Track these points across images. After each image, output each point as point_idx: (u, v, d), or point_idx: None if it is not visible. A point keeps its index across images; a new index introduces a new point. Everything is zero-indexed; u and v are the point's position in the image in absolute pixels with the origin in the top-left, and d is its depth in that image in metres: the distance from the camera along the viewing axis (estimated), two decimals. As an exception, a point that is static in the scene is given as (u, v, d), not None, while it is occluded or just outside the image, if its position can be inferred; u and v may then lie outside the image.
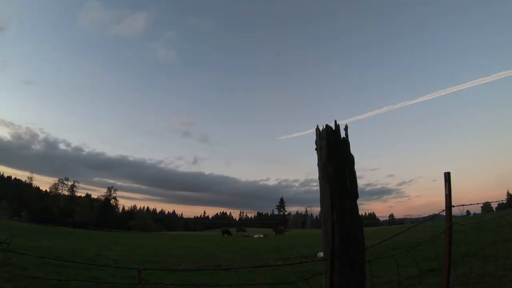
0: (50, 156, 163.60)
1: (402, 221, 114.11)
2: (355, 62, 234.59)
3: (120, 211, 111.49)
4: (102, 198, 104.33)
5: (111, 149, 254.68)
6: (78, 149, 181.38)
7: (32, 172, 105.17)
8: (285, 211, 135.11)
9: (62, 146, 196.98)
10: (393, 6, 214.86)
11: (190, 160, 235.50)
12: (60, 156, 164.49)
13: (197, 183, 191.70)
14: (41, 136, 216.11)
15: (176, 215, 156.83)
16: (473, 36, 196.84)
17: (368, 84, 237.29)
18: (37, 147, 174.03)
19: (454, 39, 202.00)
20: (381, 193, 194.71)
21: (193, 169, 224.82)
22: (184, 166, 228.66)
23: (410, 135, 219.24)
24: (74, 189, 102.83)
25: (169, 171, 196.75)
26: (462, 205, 3.16)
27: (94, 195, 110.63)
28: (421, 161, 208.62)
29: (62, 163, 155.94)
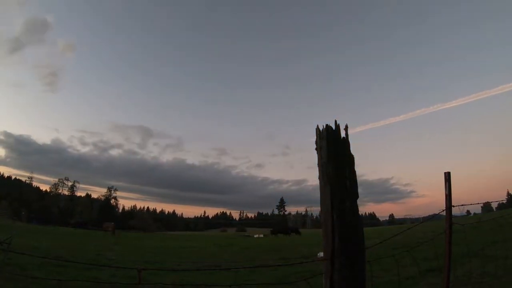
0: (101, 160, 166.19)
1: (402, 221, 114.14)
2: (379, 70, 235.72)
3: (120, 211, 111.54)
4: (102, 198, 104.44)
5: (172, 153, 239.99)
6: (131, 152, 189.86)
7: (32, 172, 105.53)
8: (285, 211, 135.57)
9: (113, 152, 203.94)
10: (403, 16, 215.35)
11: (253, 164, 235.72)
12: (106, 160, 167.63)
13: (239, 185, 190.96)
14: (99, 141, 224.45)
15: (176, 215, 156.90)
16: (476, 51, 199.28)
17: (375, 99, 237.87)
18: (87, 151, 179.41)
19: (461, 54, 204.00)
20: (386, 193, 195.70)
21: (250, 172, 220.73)
22: (240, 170, 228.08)
23: (411, 135, 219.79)
24: (74, 189, 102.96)
25: (219, 173, 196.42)
26: (462, 205, 3.16)
27: (94, 195, 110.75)
28: (421, 161, 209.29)
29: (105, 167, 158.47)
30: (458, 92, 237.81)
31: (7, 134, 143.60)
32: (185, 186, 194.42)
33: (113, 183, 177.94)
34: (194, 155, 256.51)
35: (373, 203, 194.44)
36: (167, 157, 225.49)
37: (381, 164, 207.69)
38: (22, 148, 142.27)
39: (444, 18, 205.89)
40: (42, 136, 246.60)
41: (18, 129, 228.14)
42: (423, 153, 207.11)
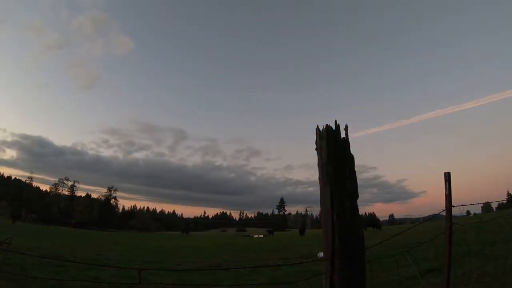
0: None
1: (402, 221, 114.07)
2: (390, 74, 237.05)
3: (120, 211, 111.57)
4: (102, 198, 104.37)
5: (203, 156, 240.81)
6: (158, 155, 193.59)
7: (32, 172, 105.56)
8: (285, 211, 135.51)
9: (138, 154, 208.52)
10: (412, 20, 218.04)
11: (283, 166, 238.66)
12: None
13: (257, 186, 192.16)
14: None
15: (176, 215, 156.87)
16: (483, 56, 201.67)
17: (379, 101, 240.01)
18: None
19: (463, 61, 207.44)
20: (399, 193, 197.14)
21: (275, 174, 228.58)
22: (266, 172, 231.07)
23: (412, 135, 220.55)
24: (74, 189, 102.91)
25: (244, 174, 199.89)
26: (462, 205, 3.16)
27: (94, 195, 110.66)
28: (421, 161, 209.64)
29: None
30: (464, 97, 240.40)
31: (25, 136, 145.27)
32: (199, 188, 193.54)
33: (126, 185, 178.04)
34: (227, 157, 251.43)
35: (382, 202, 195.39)
36: (196, 159, 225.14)
37: (398, 165, 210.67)
38: (37, 150, 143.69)
39: (445, 26, 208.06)
40: (66, 138, 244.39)
41: (41, 131, 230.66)
42: (433, 154, 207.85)
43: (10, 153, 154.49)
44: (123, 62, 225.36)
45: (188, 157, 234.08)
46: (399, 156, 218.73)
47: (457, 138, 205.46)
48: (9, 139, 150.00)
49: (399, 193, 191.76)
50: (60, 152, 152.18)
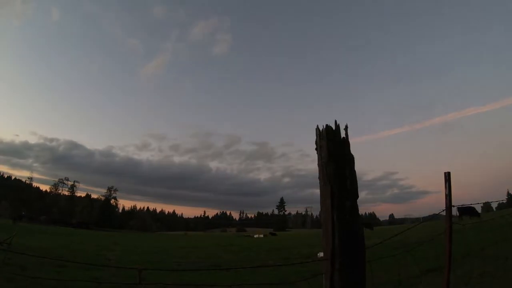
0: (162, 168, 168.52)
1: (402, 221, 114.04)
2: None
3: (120, 211, 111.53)
4: (102, 198, 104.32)
5: (246, 160, 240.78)
6: (200, 157, 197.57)
7: (32, 172, 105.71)
8: (285, 211, 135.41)
9: (178, 159, 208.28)
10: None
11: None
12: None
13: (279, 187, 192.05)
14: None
15: (176, 215, 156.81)
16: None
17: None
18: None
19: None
20: (412, 193, 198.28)
21: (310, 175, 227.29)
22: (302, 173, 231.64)
23: (412, 135, 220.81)
24: (74, 189, 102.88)
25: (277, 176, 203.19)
26: (462, 205, 3.16)
27: (94, 195, 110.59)
28: (421, 161, 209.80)
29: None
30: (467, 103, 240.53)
31: (53, 139, 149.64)
32: (222, 190, 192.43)
33: (149, 189, 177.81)
34: (270, 159, 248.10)
35: (391, 203, 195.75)
36: (237, 162, 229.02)
37: (417, 165, 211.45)
38: (63, 153, 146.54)
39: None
40: (103, 141, 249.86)
41: (79, 135, 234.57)
42: (447, 154, 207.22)
43: (33, 155, 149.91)
44: (181, 68, 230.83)
45: (233, 160, 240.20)
46: (417, 158, 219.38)
47: (459, 139, 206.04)
48: (33, 141, 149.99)
49: (417, 193, 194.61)
50: (88, 155, 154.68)
